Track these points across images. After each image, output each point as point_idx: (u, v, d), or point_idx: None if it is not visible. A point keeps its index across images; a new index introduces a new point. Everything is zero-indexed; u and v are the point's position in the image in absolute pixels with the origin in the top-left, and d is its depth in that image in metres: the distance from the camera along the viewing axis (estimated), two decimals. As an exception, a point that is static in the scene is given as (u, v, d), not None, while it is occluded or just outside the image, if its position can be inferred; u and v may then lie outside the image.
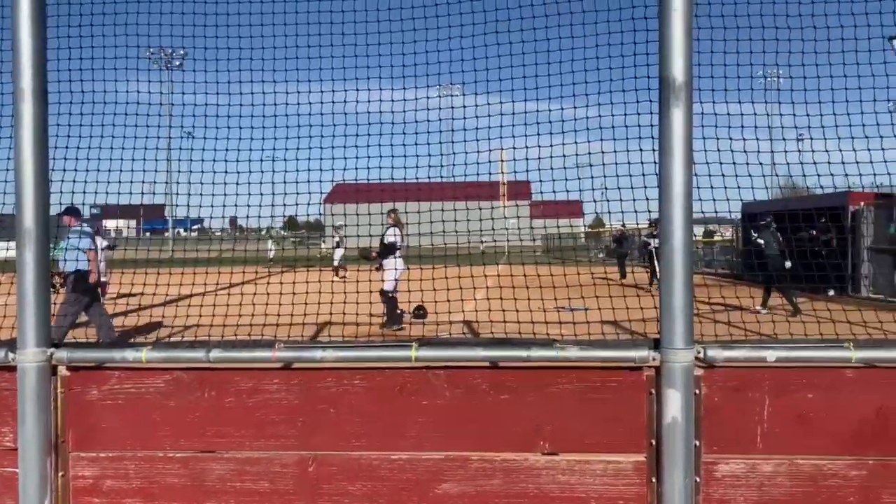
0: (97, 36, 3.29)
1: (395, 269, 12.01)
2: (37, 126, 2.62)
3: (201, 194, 3.73)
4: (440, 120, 3.52)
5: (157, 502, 2.69)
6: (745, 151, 2.73)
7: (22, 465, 2.65)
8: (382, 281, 12.26)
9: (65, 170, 3.19)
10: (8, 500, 2.71)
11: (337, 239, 26.85)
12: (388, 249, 12.10)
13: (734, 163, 2.85)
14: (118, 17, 3.25)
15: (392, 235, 12.24)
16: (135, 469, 2.70)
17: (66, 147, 3.23)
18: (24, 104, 2.60)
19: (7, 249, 2.77)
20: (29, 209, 2.60)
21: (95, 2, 3.15)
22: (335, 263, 25.09)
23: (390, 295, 11.97)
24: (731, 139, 2.74)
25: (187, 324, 6.20)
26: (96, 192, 3.54)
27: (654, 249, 21.61)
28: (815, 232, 16.67)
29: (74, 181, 3.32)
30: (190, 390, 2.69)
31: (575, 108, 2.89)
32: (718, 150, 2.80)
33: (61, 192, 3.12)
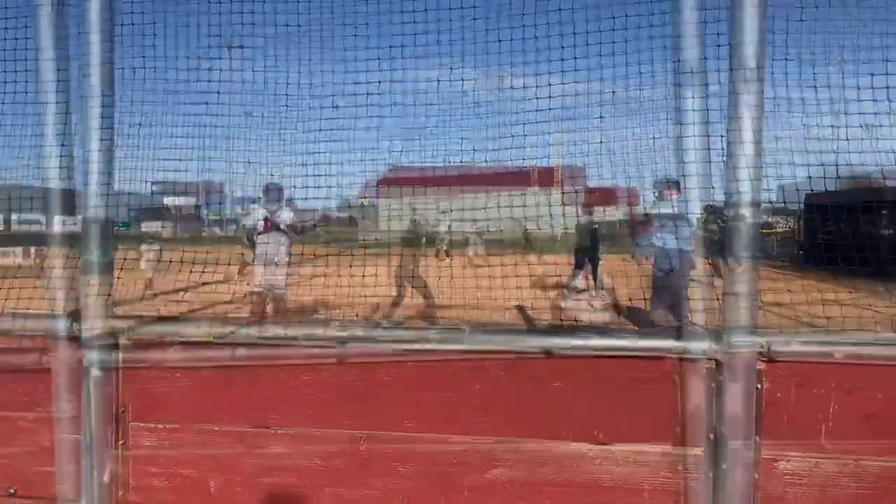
0: (159, 13, 3.33)
1: None
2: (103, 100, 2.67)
3: (257, 173, 3.75)
4: (497, 101, 3.45)
5: (211, 474, 2.74)
6: (818, 139, 2.61)
7: (84, 433, 2.73)
8: None
9: (128, 146, 3.25)
10: (70, 466, 2.80)
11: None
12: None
13: (806, 151, 2.72)
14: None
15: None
16: (191, 441, 2.75)
17: (129, 124, 3.28)
18: (92, 81, 2.65)
19: (75, 224, 2.85)
20: (93, 186, 2.66)
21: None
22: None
23: None
24: (805, 126, 2.62)
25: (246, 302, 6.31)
26: (155, 170, 3.59)
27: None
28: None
29: (135, 158, 3.37)
30: (246, 366, 2.72)
31: (640, 89, 2.79)
32: (790, 137, 2.68)
33: (123, 168, 3.18)
